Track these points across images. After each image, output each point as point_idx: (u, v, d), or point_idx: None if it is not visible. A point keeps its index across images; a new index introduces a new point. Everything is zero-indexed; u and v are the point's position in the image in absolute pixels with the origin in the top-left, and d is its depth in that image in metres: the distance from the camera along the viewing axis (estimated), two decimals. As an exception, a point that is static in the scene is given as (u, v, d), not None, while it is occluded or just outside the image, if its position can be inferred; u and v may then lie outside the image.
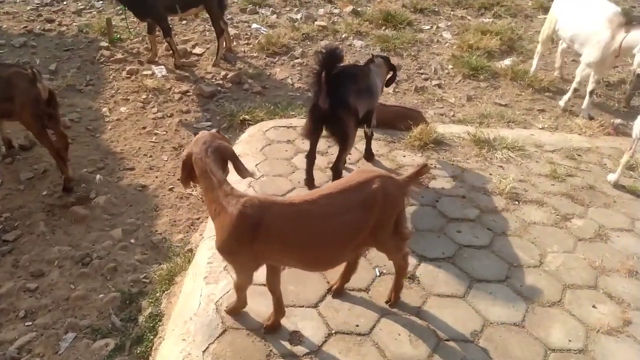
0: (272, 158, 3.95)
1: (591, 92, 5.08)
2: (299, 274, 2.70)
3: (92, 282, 3.20)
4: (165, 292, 2.95)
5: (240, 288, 2.40)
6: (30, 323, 2.92)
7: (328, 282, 2.75)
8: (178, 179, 3.44)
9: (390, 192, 2.22)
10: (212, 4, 5.48)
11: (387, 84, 3.94)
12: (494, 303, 2.71)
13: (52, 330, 2.88)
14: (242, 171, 2.16)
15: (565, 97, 5.35)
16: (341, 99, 3.09)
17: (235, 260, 2.23)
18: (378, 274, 2.85)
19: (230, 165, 2.20)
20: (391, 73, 3.88)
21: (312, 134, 3.35)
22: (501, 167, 4.05)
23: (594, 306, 2.75)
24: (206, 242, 3.10)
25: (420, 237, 3.17)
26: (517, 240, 3.22)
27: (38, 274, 3.24)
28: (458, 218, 3.39)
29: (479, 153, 4.21)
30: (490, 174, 3.92)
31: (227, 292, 2.66)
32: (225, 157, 2.13)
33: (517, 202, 3.60)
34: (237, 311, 2.51)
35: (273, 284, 2.34)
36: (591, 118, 5.07)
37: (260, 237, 2.03)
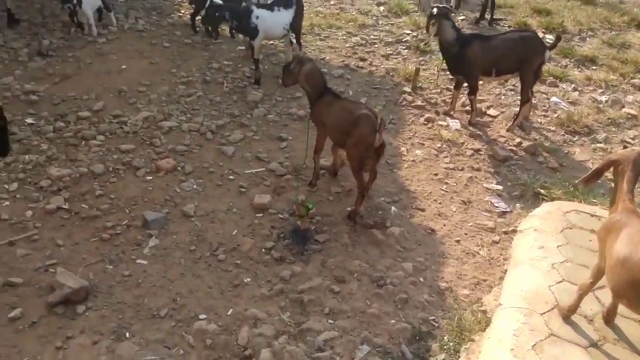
0: (575, 244, 3.72)
1: None
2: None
3: (385, 305, 3.46)
4: (464, 346, 3.00)
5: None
6: (332, 322, 3.30)
7: None
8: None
9: None
10: (528, 73, 5.52)
11: None
12: None
13: (350, 336, 3.20)
14: None
15: None
16: None
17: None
18: None
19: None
20: None
21: None
22: None
23: None
24: (507, 311, 3.06)
25: None
26: None
27: (340, 280, 3.66)
28: None
29: None
30: None
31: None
32: None
33: None
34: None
35: None
36: None
37: None
